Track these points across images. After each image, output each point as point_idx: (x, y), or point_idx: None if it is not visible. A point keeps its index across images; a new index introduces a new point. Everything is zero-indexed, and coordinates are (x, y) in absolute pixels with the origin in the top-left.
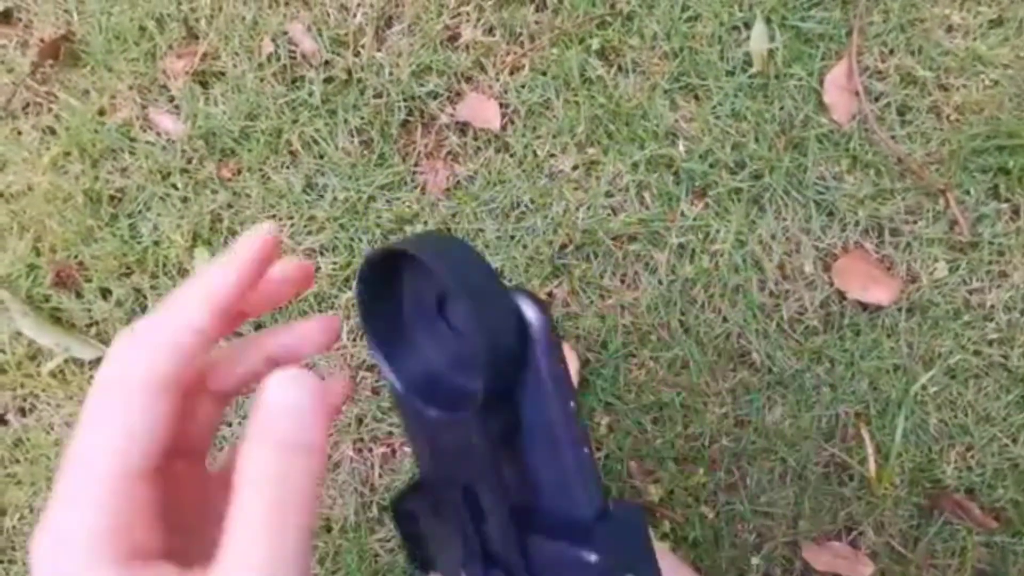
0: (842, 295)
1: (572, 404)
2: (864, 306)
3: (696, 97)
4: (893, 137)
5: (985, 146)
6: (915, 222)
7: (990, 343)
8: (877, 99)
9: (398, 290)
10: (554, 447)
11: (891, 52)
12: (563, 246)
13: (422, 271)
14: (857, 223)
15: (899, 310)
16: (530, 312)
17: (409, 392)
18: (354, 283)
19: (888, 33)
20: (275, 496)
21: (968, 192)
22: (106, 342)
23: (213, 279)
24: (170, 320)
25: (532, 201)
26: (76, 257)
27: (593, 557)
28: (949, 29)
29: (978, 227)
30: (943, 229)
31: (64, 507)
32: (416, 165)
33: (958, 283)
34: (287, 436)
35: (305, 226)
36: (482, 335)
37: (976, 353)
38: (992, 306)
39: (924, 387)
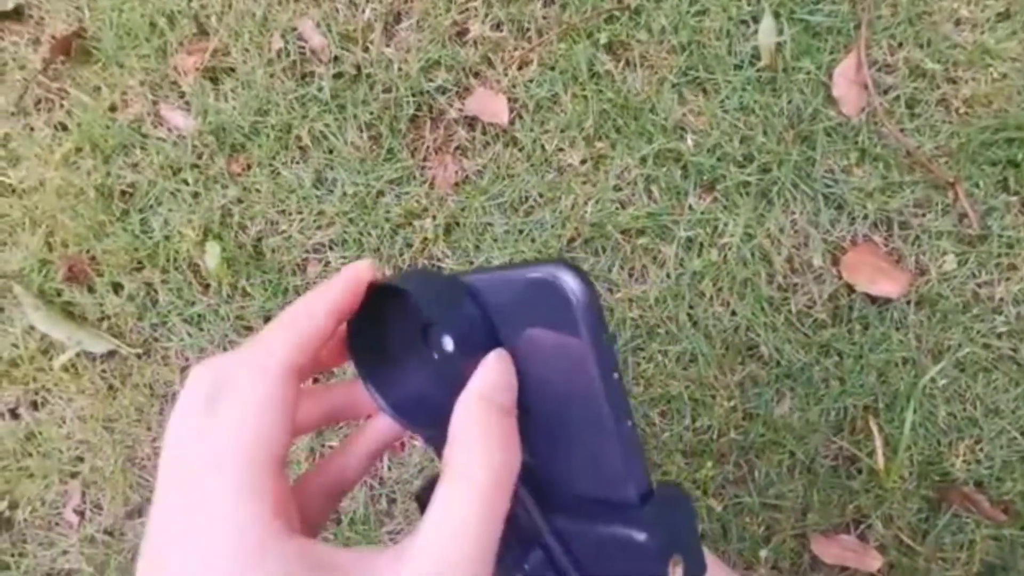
0: (851, 288)
1: (616, 375)
2: (873, 299)
3: (704, 91)
4: (902, 130)
5: (994, 139)
6: (924, 215)
7: (999, 336)
8: (886, 92)
9: (383, 321)
10: (596, 422)
11: (900, 45)
12: (571, 240)
13: (406, 304)
14: (866, 216)
15: (908, 303)
16: (571, 283)
17: (397, 415)
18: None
19: (896, 26)
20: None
21: (977, 185)
22: (117, 336)
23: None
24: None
25: (540, 195)
26: (88, 252)
27: (642, 536)
28: (957, 22)
29: (987, 220)
30: (952, 222)
31: (224, 490)
32: (425, 160)
33: (967, 276)
34: (504, 402)
35: (315, 221)
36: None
37: (985, 346)
38: (1001, 299)
39: (933, 380)
